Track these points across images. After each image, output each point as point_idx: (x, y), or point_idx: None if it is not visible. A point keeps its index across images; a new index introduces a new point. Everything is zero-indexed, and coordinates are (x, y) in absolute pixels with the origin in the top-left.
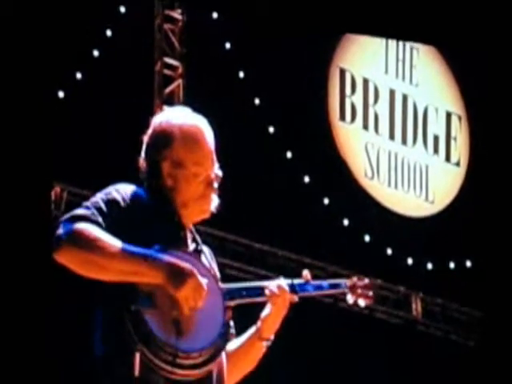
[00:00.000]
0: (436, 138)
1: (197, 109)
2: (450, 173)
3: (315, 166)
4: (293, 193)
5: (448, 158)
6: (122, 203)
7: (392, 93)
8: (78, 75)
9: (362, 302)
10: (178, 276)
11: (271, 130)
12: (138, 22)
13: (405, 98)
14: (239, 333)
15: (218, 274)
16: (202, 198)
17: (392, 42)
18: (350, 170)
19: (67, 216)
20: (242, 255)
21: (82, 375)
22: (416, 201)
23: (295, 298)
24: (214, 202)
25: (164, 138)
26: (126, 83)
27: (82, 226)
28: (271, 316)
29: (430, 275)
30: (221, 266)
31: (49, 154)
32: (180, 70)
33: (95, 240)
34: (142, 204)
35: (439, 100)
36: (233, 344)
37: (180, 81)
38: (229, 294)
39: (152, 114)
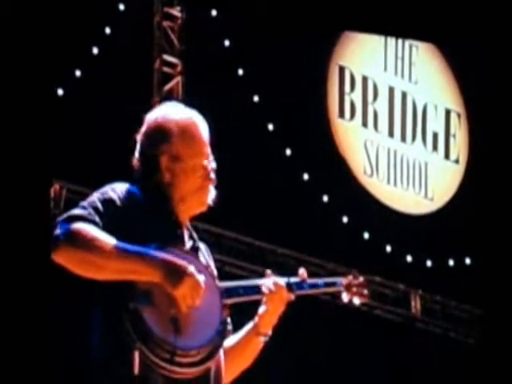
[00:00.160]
0: (435, 136)
1: (196, 106)
2: (449, 170)
3: (314, 163)
4: (292, 190)
5: (447, 156)
6: (119, 202)
7: (391, 90)
8: (78, 73)
9: (356, 301)
10: (176, 274)
11: (270, 127)
12: (137, 19)
13: (404, 95)
14: (236, 329)
15: (214, 271)
16: (200, 190)
17: (391, 40)
18: (349, 168)
19: (64, 216)
20: (241, 253)
21: (81, 374)
22: (415, 198)
23: (292, 297)
24: (212, 193)
25: (161, 133)
26: (125, 81)
27: (79, 225)
28: (268, 313)
29: (430, 272)
30: (220, 264)
31: (48, 152)
32: (179, 68)
33: (92, 240)
34: (138, 203)
35: (438, 97)
36: (230, 340)
37: (179, 78)
38: (226, 292)
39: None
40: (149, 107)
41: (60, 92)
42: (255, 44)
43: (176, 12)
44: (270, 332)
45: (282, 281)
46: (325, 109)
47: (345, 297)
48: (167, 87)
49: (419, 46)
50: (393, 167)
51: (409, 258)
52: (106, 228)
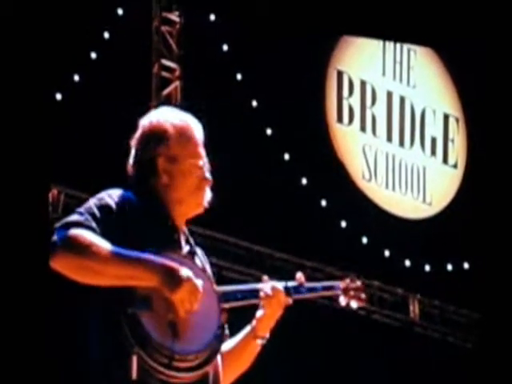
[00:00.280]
0: (433, 140)
1: (194, 111)
2: (447, 175)
3: (313, 168)
4: (290, 195)
5: (445, 160)
6: (115, 208)
7: (389, 95)
8: (76, 77)
9: (354, 304)
10: (174, 279)
11: (269, 132)
12: (135, 24)
13: (402, 99)
14: (232, 334)
15: (211, 276)
16: (197, 190)
17: (389, 44)
18: (347, 172)
19: (61, 223)
20: (239, 257)
21: (80, 379)
22: (413, 203)
23: (289, 301)
24: (208, 195)
25: (157, 136)
26: (124, 85)
27: (76, 232)
28: (266, 317)
29: (428, 277)
30: (218, 268)
31: (46, 156)
32: (177, 72)
33: (90, 246)
34: (134, 208)
35: (437, 102)
36: (227, 344)
37: (177, 83)
38: (224, 296)
39: None
40: (147, 112)
41: (58, 96)
42: (253, 49)
43: (174, 17)
44: (267, 335)
45: (280, 285)
46: (323, 113)
47: (342, 300)
48: (165, 92)
49: (417, 50)
50: (391, 172)
51: (407, 263)
52: (103, 234)
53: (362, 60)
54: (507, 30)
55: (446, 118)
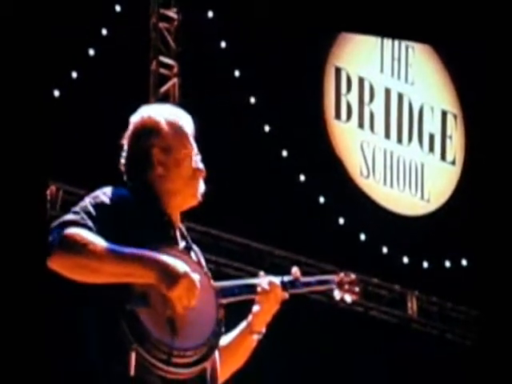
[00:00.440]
0: (431, 137)
1: (192, 107)
2: (445, 171)
3: (311, 164)
4: (288, 191)
5: (443, 157)
6: (111, 206)
7: (387, 91)
8: (74, 74)
9: (348, 298)
10: (171, 275)
11: (267, 128)
12: (133, 20)
13: (400, 96)
14: (228, 330)
15: (208, 271)
16: (191, 181)
17: (387, 41)
18: (345, 169)
19: (57, 222)
20: (237, 254)
21: (79, 376)
22: (411, 199)
23: (286, 295)
24: (202, 187)
25: (150, 128)
26: (122, 82)
27: (72, 231)
28: (263, 312)
29: (426, 274)
30: (216, 265)
31: (44, 153)
32: (175, 69)
33: (86, 244)
34: (130, 205)
35: (435, 99)
36: (223, 340)
37: (175, 80)
38: (221, 292)
39: None
40: None
41: (56, 93)
42: (251, 45)
43: (172, 13)
44: (263, 330)
45: (277, 280)
46: (321, 110)
47: (337, 294)
48: (163, 89)
49: (416, 47)
50: (389, 168)
51: (405, 259)
52: (100, 232)
53: (360, 57)
54: (505, 26)
55: (444, 114)
